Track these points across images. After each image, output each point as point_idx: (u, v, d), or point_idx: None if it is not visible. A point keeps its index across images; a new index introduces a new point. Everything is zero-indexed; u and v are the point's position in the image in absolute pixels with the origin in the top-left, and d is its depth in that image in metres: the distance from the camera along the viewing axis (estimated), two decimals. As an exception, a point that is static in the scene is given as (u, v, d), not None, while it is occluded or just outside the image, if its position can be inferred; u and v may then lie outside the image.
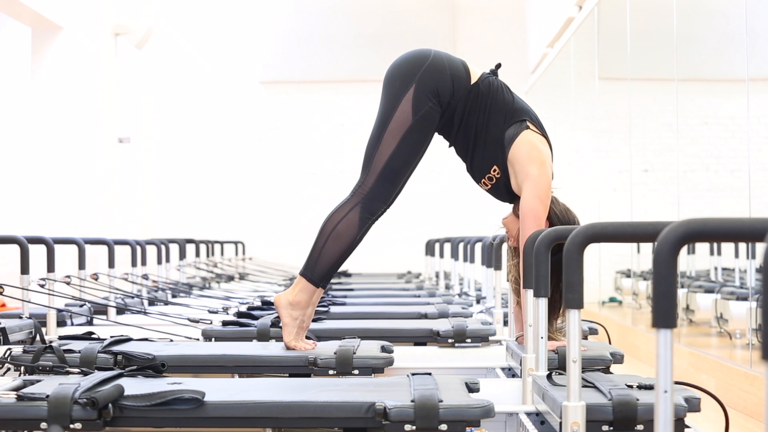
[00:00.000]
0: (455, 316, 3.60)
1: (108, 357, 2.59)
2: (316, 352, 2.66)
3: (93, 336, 2.92)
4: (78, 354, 2.61)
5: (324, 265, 2.81)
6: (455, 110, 2.84)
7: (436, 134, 2.92)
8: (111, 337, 2.84)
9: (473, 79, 2.84)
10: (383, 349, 2.76)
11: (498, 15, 12.03)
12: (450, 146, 2.98)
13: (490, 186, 2.92)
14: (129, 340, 2.88)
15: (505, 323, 3.59)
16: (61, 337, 2.95)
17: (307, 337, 2.89)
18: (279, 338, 3.16)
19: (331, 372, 2.58)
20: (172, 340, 3.09)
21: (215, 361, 2.64)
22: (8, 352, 2.61)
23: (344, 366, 2.57)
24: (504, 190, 2.91)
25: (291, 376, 2.60)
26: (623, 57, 7.21)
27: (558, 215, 2.86)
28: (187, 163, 11.98)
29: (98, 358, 2.59)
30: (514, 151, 2.82)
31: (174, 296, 5.26)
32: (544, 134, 2.89)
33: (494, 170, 2.87)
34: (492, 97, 2.84)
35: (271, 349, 2.78)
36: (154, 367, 2.34)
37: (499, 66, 2.94)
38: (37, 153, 7.81)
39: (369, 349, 2.70)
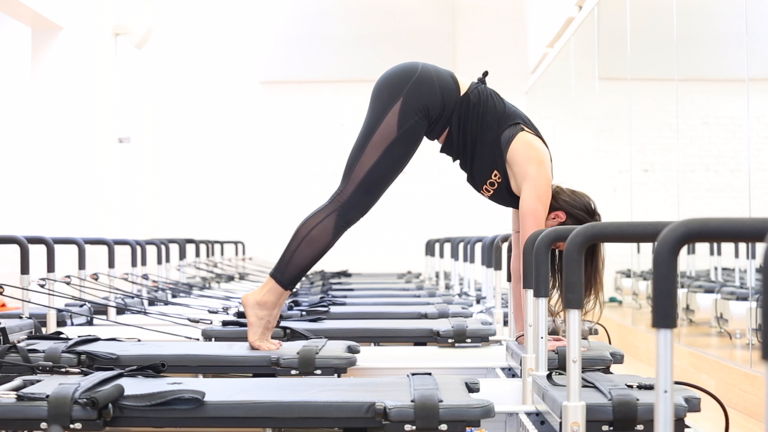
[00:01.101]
0: (455, 316, 3.60)
1: (72, 357, 2.60)
2: (279, 352, 2.66)
3: (61, 336, 2.93)
4: (42, 354, 2.61)
5: (294, 269, 2.82)
6: (451, 123, 2.86)
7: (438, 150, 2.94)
8: (78, 336, 2.85)
9: (463, 90, 2.86)
10: (350, 349, 2.77)
11: (498, 15, 12.02)
12: (454, 161, 2.99)
13: (492, 192, 2.93)
14: (96, 339, 2.88)
15: (505, 323, 3.59)
16: (29, 337, 2.95)
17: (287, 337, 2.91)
18: (279, 338, 3.16)
19: (293, 372, 2.58)
20: (139, 340, 3.09)
21: (178, 360, 2.62)
22: None
23: (306, 366, 2.57)
24: (506, 194, 2.91)
25: (255, 376, 2.59)
26: (623, 57, 7.21)
27: (569, 202, 2.86)
28: (187, 163, 11.98)
29: (62, 358, 2.59)
30: (512, 153, 2.83)
31: (174, 296, 5.26)
32: (539, 136, 2.90)
33: (495, 175, 2.88)
34: (483, 105, 2.86)
35: (234, 349, 2.77)
36: (154, 367, 2.34)
37: (486, 74, 2.95)
38: (37, 153, 7.81)
39: (333, 349, 2.70)
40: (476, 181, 2.94)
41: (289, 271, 2.82)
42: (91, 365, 2.51)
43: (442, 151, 2.97)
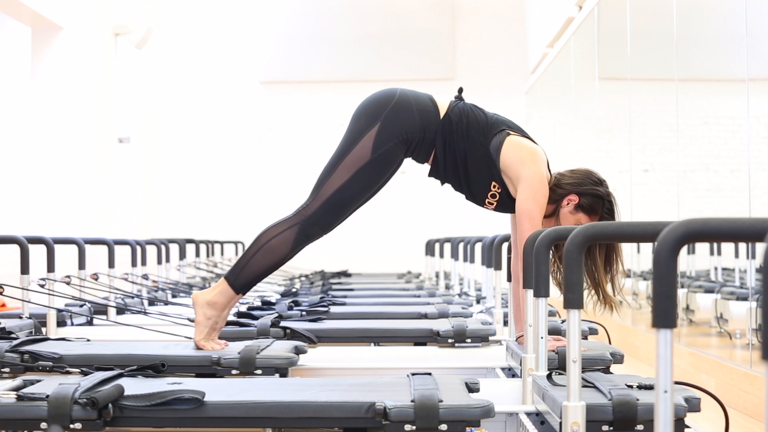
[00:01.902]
0: (455, 316, 3.60)
1: (15, 356, 2.61)
2: (222, 352, 2.66)
3: (12, 335, 2.93)
4: None
5: (248, 275, 2.84)
6: (435, 145, 2.86)
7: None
8: (26, 336, 2.86)
9: (442, 111, 2.88)
10: (296, 349, 2.77)
11: (498, 15, 12.02)
12: (443, 184, 3.00)
13: (495, 204, 2.94)
14: (45, 339, 2.89)
15: (505, 323, 3.59)
16: None
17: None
18: (279, 338, 3.17)
19: (234, 372, 2.58)
20: (89, 340, 3.09)
21: (122, 360, 2.60)
22: None
23: (247, 366, 2.57)
24: (509, 202, 2.92)
25: (198, 376, 2.57)
26: (623, 57, 7.21)
27: (574, 183, 2.87)
28: (187, 163, 11.98)
29: (5, 357, 2.60)
30: (503, 159, 2.85)
31: (174, 296, 5.26)
32: (527, 137, 2.91)
33: (494, 186, 2.89)
34: (466, 121, 2.87)
35: (177, 348, 2.77)
36: (154, 367, 2.34)
37: (461, 90, 2.98)
38: (38, 153, 7.81)
39: (278, 349, 2.69)
40: (477, 197, 2.95)
41: (243, 276, 2.83)
42: (33, 364, 2.54)
43: (430, 175, 2.98)
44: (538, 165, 2.83)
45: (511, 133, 2.88)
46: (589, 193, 2.86)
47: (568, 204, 2.87)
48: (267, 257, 2.82)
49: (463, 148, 2.86)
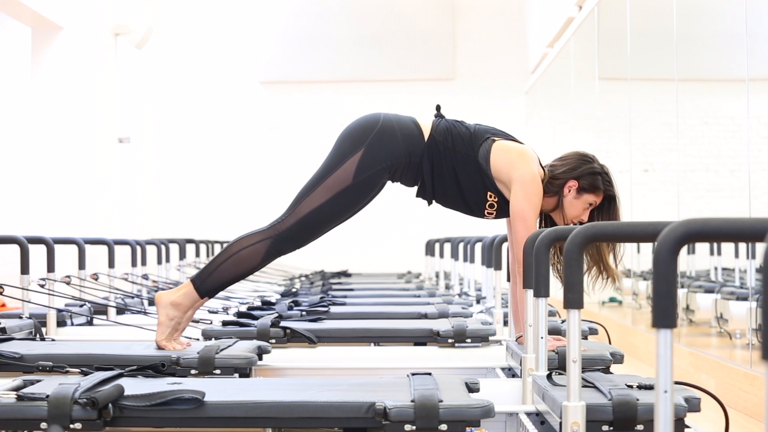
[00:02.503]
0: (455, 316, 3.60)
1: None
2: (181, 352, 2.66)
3: None
4: None
5: (215, 281, 2.85)
6: (422, 168, 2.86)
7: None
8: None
9: (426, 133, 2.89)
10: (259, 349, 2.76)
11: (498, 15, 12.03)
12: (430, 204, 3.00)
13: (495, 212, 2.95)
14: (10, 339, 2.90)
15: (505, 323, 3.59)
16: None
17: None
18: (279, 338, 3.17)
19: (193, 372, 2.56)
20: (54, 340, 3.09)
21: (80, 360, 2.59)
22: None
23: (206, 366, 2.56)
24: (508, 207, 2.92)
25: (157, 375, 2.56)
26: (623, 57, 7.21)
27: (567, 169, 2.89)
28: (187, 163, 11.99)
29: None
30: (494, 165, 2.86)
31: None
32: (513, 139, 2.92)
33: (490, 196, 2.90)
34: (451, 139, 2.88)
35: (139, 348, 2.76)
36: (154, 367, 2.34)
37: (439, 107, 2.99)
38: (38, 153, 7.81)
39: (238, 349, 2.68)
40: (475, 210, 2.96)
41: (210, 281, 2.85)
42: (27, 364, 2.54)
43: (417, 195, 2.98)
44: (528, 164, 2.84)
45: (496, 138, 2.90)
46: (585, 173, 2.88)
47: (569, 192, 2.88)
48: (236, 267, 2.84)
49: (452, 165, 2.87)
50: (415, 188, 2.96)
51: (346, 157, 2.83)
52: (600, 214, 2.92)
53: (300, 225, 2.83)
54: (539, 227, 2.95)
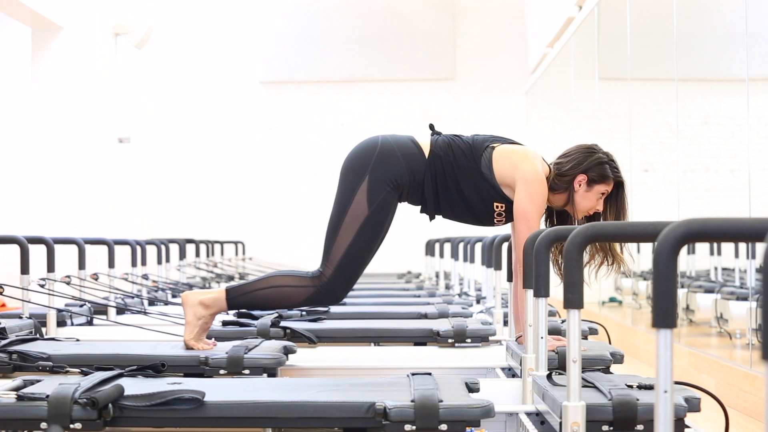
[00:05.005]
0: (455, 316, 3.60)
1: (3, 356, 2.61)
2: (209, 352, 2.67)
3: (0, 335, 2.93)
4: None
5: (247, 302, 2.87)
6: (424, 184, 2.86)
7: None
8: (15, 335, 2.86)
9: (426, 150, 2.88)
10: (285, 349, 2.76)
11: (498, 15, 12.02)
12: (432, 219, 3.01)
13: (504, 219, 2.95)
14: (35, 339, 2.89)
15: (505, 323, 3.59)
16: None
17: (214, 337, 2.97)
18: (279, 338, 3.17)
19: (222, 372, 2.58)
20: (78, 340, 3.09)
21: (113, 360, 2.60)
22: None
23: (234, 366, 2.57)
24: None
25: (185, 375, 2.56)
26: (623, 57, 7.21)
27: (573, 165, 2.88)
28: (187, 163, 11.98)
29: None
30: (498, 171, 2.86)
31: (174, 296, 5.25)
32: (512, 142, 2.92)
33: (497, 206, 2.89)
34: (453, 152, 2.88)
35: (166, 348, 2.77)
36: (154, 367, 2.34)
37: (432, 126, 2.98)
38: (38, 153, 7.81)
39: (266, 348, 2.69)
40: (484, 221, 2.95)
41: (242, 300, 2.86)
42: (24, 364, 2.54)
43: (422, 211, 2.98)
44: (530, 163, 2.84)
45: (495, 145, 2.89)
46: (593, 165, 2.87)
47: (580, 186, 2.88)
48: (275, 298, 2.85)
49: (455, 180, 2.87)
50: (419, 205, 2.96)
51: (355, 190, 2.83)
52: (608, 202, 2.92)
53: (339, 271, 2.83)
54: (547, 226, 2.95)
